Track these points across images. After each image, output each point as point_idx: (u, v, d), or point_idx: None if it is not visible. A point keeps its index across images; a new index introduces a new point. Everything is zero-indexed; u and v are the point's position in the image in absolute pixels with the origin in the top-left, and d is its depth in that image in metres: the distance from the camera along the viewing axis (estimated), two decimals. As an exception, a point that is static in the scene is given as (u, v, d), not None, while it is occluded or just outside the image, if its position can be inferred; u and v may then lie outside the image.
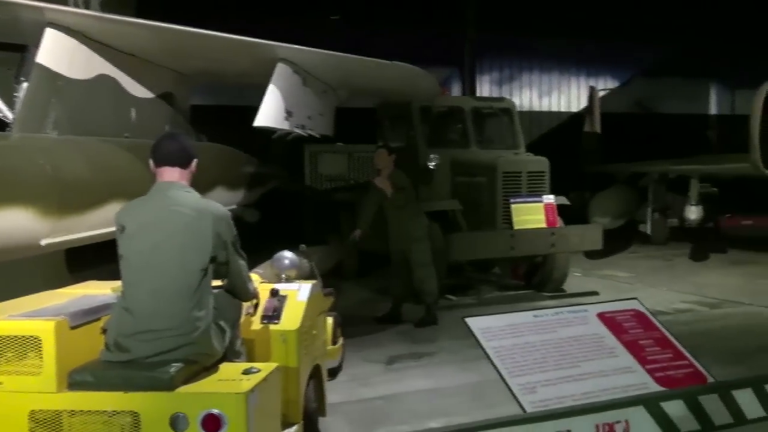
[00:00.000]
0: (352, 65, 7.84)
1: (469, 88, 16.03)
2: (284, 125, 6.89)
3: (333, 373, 6.36)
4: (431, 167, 10.13)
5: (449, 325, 8.56)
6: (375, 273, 11.31)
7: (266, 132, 7.24)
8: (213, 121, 9.70)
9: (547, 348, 3.11)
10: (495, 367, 2.98)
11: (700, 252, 14.54)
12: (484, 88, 18.70)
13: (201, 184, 4.10)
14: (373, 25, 16.58)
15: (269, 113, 6.53)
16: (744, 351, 7.32)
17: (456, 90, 17.48)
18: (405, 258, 8.69)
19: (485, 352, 3.05)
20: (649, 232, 16.35)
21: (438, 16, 16.81)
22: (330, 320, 6.11)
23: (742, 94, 21.85)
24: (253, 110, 6.48)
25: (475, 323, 3.15)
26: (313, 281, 5.07)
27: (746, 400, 2.93)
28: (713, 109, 22.95)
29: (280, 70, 6.70)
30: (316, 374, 4.86)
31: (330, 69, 7.75)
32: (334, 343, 6.36)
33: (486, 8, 15.81)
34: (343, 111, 9.09)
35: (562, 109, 20.35)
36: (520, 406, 2.85)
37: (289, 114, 6.85)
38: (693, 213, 15.35)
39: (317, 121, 7.99)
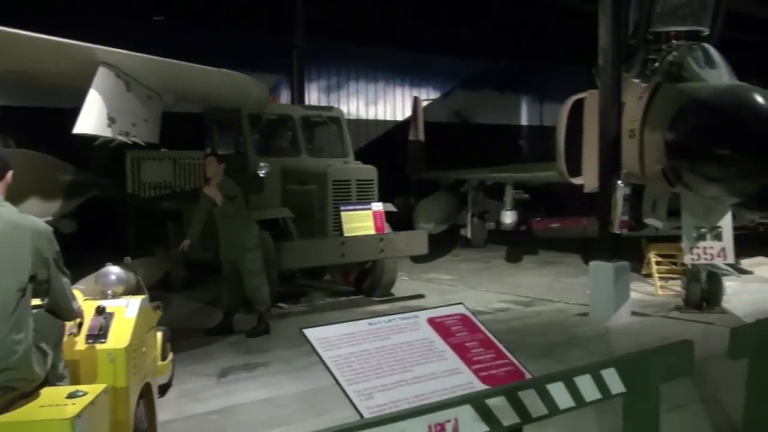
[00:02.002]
0: (179, 71, 7.60)
1: (298, 96, 16.09)
2: (107, 132, 6.54)
3: (163, 389, 6.15)
4: (261, 175, 10.08)
5: (282, 333, 8.58)
6: (204, 283, 11.06)
7: (86, 137, 6.85)
8: (22, 125, 9.02)
9: (382, 354, 3.24)
10: (333, 376, 3.06)
11: (515, 254, 15.62)
12: (313, 95, 18.87)
13: (9, 194, 3.77)
14: (199, 28, 16.19)
15: (90, 120, 6.18)
16: (554, 345, 7.99)
17: (285, 97, 17.51)
18: (236, 267, 8.58)
19: (323, 362, 3.11)
20: (469, 236, 17.33)
21: (266, 21, 16.75)
22: (159, 335, 5.91)
23: (548, 106, 23.76)
24: (71, 112, 6.11)
25: (313, 334, 3.21)
26: (142, 296, 4.90)
27: (559, 392, 3.23)
28: (524, 120, 24.70)
29: (102, 74, 6.36)
30: (146, 393, 4.70)
31: (155, 74, 7.46)
32: (164, 358, 6.15)
33: (314, 16, 15.97)
34: (167, 115, 8.81)
35: (388, 118, 20.99)
36: (358, 412, 2.94)
37: (111, 120, 6.51)
38: (508, 217, 16.51)
39: (142, 128, 7.65)
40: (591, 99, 11.03)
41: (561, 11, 20.53)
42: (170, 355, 6.40)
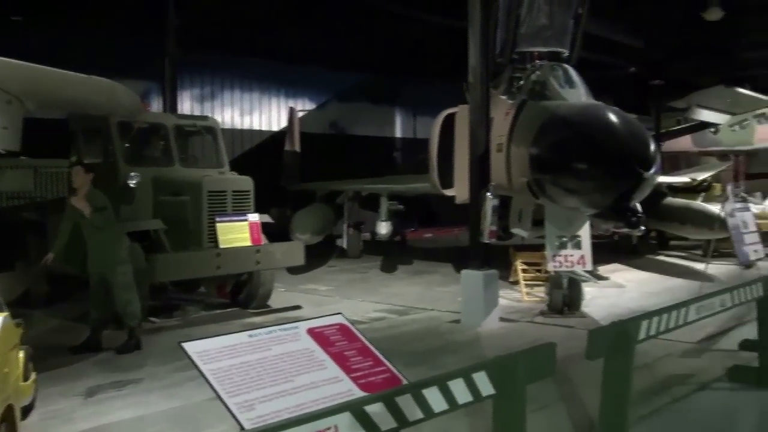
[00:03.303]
0: (41, 75, 7.24)
1: (170, 105, 15.66)
2: (-40, 140, 6.14)
3: (25, 412, 5.81)
4: (132, 186, 9.75)
5: (154, 349, 8.32)
6: (69, 299, 10.52)
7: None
8: None
9: (263, 366, 3.26)
10: (213, 389, 3.05)
11: (390, 264, 15.92)
12: (185, 104, 18.43)
13: None
14: (66, 32, 15.44)
15: (-58, 126, 5.78)
16: (429, 351, 8.23)
17: (156, 105, 17.01)
18: (105, 281, 8.24)
19: (203, 375, 3.09)
20: (345, 246, 17.49)
21: (139, 27, 16.22)
22: (21, 354, 5.59)
23: (421, 119, 24.44)
24: None
25: (192, 347, 3.18)
26: (2, 314, 4.63)
27: (434, 396, 3.38)
28: (398, 133, 25.25)
29: (-45, 77, 5.97)
30: (8, 416, 4.45)
31: (15, 78, 7.07)
32: (26, 379, 5.82)
33: (188, 23, 15.63)
34: (28, 121, 8.34)
35: (263, 128, 20.84)
36: (239, 423, 2.95)
37: (-33, 127, 6.12)
38: (383, 228, 16.81)
39: (1, 134, 7.24)
40: (462, 114, 11.48)
41: (434, 28, 21.24)
42: (33, 375, 6.06)
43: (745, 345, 7.81)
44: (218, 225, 9.90)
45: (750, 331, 7.90)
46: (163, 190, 10.30)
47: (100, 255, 8.22)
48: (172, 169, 10.58)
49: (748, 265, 10.56)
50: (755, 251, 10.31)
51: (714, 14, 20.88)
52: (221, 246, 9.82)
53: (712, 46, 24.76)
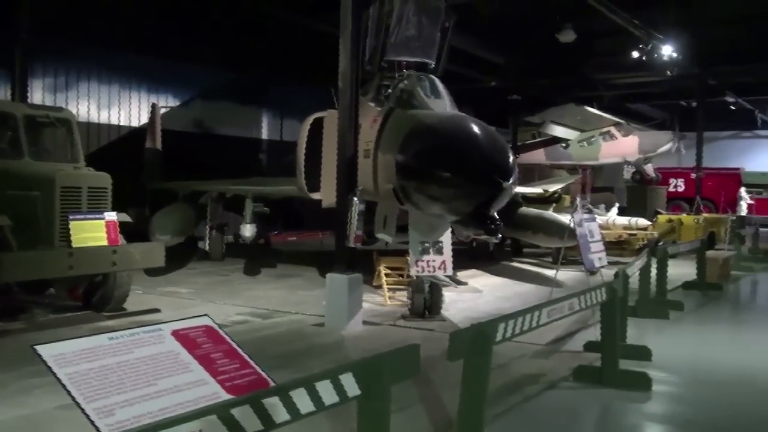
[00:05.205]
0: None
1: (20, 94, 14.63)
2: None
3: None
4: (-26, 179, 9.04)
5: (-4, 354, 7.76)
6: None
7: None
8: None
9: (124, 369, 3.13)
10: (70, 394, 2.90)
11: (253, 267, 15.71)
12: (36, 94, 17.29)
13: None
14: None
15: None
16: (293, 354, 8.22)
17: (3, 94, 15.85)
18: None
19: (59, 380, 2.93)
20: (207, 248, 17.06)
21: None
22: None
23: (289, 122, 24.31)
24: None
25: (47, 350, 3.00)
26: None
27: (300, 397, 3.39)
28: (265, 134, 24.97)
29: None
30: None
31: None
32: None
33: (43, 9, 14.69)
34: None
35: (123, 123, 19.93)
36: (97, 429, 2.82)
37: None
38: (247, 230, 16.55)
39: None
40: (330, 118, 11.55)
41: (304, 31, 21.22)
42: None
43: (589, 346, 8.40)
44: (72, 223, 9.37)
45: (592, 334, 8.52)
46: (10, 185, 9.62)
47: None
48: (21, 162, 9.90)
49: (593, 272, 11.32)
50: (599, 259, 11.05)
51: (567, 36, 22.33)
52: (74, 245, 9.29)
53: (566, 66, 26.43)
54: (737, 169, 37.55)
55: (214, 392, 3.30)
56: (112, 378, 3.05)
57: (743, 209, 32.43)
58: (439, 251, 10.28)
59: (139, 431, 2.81)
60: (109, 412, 2.89)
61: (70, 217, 9.41)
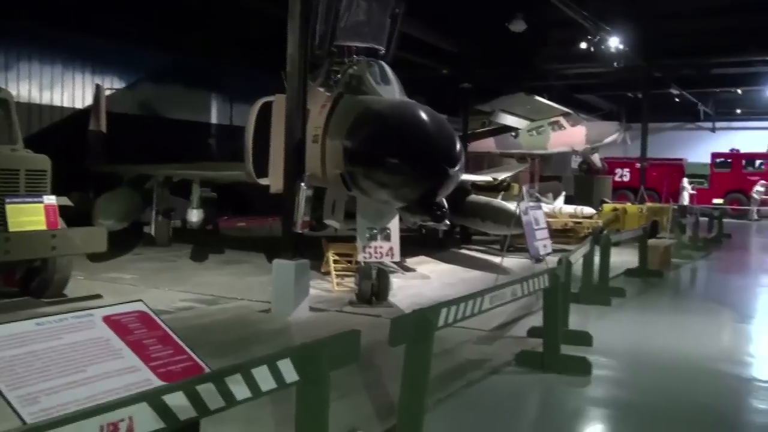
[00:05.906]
0: None
1: (-45, 72, 14.13)
2: None
3: None
4: None
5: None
6: None
7: None
8: None
9: (51, 356, 3.03)
10: (-9, 382, 2.80)
11: (200, 253, 15.49)
12: (-27, 73, 16.71)
13: None
14: None
15: None
16: (237, 341, 8.14)
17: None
18: None
19: (-21, 367, 2.83)
20: (153, 233, 16.75)
21: None
22: None
23: (238, 107, 23.97)
24: None
25: (-32, 337, 2.90)
26: None
27: (236, 384, 3.34)
28: (213, 119, 24.58)
29: None
30: None
31: None
32: None
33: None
34: None
35: (65, 105, 19.37)
36: (20, 418, 2.74)
37: None
38: (194, 216, 16.31)
39: None
40: (279, 103, 11.40)
41: (253, 15, 20.90)
42: None
43: (532, 332, 8.53)
44: (8, 206, 9.07)
45: (536, 320, 8.64)
46: (-58, 166, 9.27)
47: None
48: (-46, 143, 9.55)
49: (539, 259, 11.50)
50: (545, 246, 11.24)
51: (518, 26, 22.54)
52: (11, 229, 9.00)
53: (517, 56, 26.68)
54: (680, 159, 38.59)
55: (145, 378, 3.23)
56: (37, 365, 2.96)
57: (685, 199, 33.38)
58: (387, 238, 10.29)
59: (65, 419, 2.73)
60: (33, 399, 2.80)
61: (7, 200, 9.12)
